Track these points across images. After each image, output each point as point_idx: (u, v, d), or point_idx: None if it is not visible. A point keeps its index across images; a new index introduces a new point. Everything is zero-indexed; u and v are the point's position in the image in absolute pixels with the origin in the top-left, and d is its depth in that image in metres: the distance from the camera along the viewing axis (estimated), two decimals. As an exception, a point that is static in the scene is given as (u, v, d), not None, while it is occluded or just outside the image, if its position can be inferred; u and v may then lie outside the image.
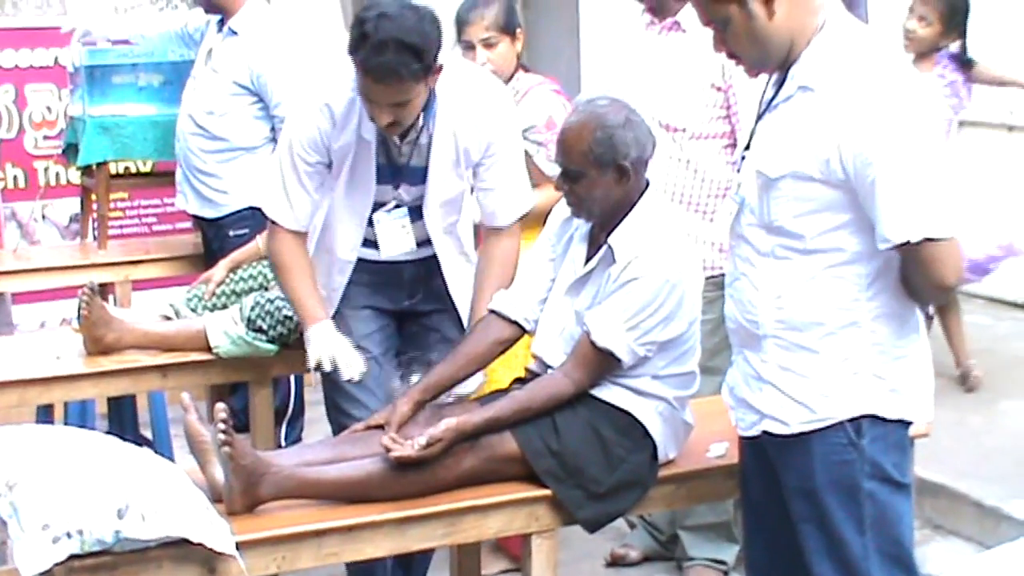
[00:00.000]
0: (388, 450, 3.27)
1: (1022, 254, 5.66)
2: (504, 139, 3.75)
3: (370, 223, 3.78)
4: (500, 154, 3.74)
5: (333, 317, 3.83)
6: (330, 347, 3.65)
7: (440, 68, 3.52)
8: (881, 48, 2.81)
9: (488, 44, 4.41)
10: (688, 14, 4.11)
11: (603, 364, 3.35)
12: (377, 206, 3.76)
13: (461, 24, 4.45)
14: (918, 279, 2.79)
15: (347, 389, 3.75)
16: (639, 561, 4.59)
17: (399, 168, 3.72)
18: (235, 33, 5.35)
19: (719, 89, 4.14)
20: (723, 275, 3.11)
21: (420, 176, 3.72)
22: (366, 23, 3.41)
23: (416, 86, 3.47)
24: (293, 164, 3.71)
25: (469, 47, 4.43)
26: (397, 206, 3.77)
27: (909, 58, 5.62)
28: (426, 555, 3.89)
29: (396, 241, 3.78)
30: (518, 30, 4.48)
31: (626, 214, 3.38)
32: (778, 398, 2.90)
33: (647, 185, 3.42)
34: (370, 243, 3.81)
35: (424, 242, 3.81)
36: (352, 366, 3.64)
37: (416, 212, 3.77)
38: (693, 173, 4.20)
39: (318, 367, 3.67)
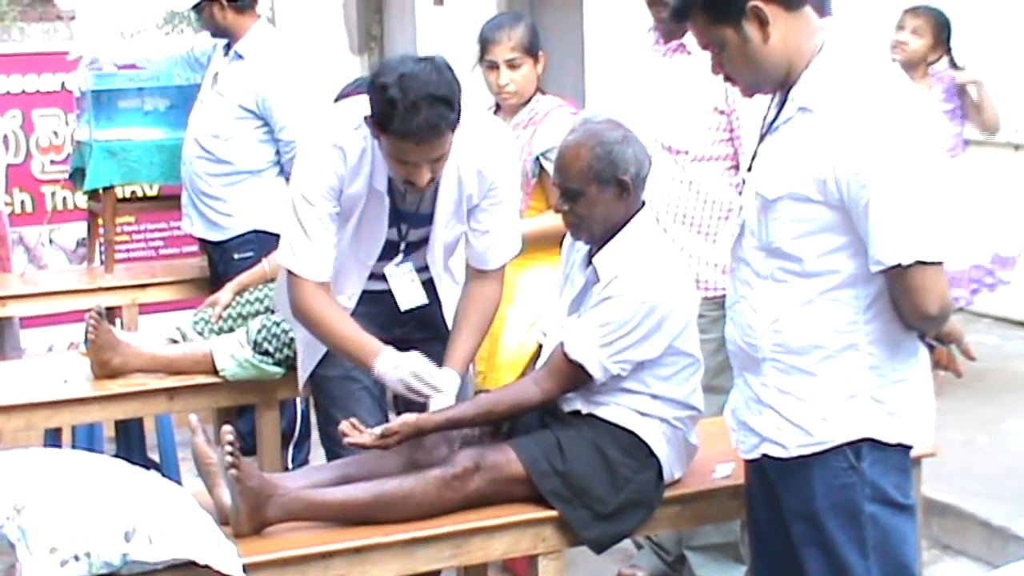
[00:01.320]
0: (344, 434, 3.31)
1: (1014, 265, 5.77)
2: (505, 183, 3.68)
3: (378, 275, 3.73)
4: (499, 198, 3.68)
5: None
6: (407, 367, 3.47)
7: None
8: (881, 69, 2.82)
9: (512, 65, 4.40)
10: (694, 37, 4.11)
11: (574, 377, 3.36)
12: (383, 250, 3.71)
13: (486, 43, 4.43)
14: (902, 307, 2.79)
15: (338, 419, 3.74)
16: (646, 582, 4.58)
17: (405, 216, 3.67)
18: (241, 57, 5.37)
19: (722, 112, 4.15)
20: (725, 296, 3.11)
21: (424, 220, 3.69)
22: (389, 88, 3.29)
23: (451, 136, 3.40)
24: (313, 213, 3.54)
25: (492, 66, 4.43)
26: (404, 260, 3.73)
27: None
28: None
29: (410, 294, 3.75)
30: (540, 52, 4.46)
31: (615, 234, 3.39)
32: (777, 421, 2.91)
33: (641, 206, 3.43)
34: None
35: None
36: (434, 375, 3.46)
37: (414, 246, 3.74)
38: (696, 195, 4.21)
39: (408, 403, 3.54)
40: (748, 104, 3.90)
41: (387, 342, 3.69)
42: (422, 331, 3.84)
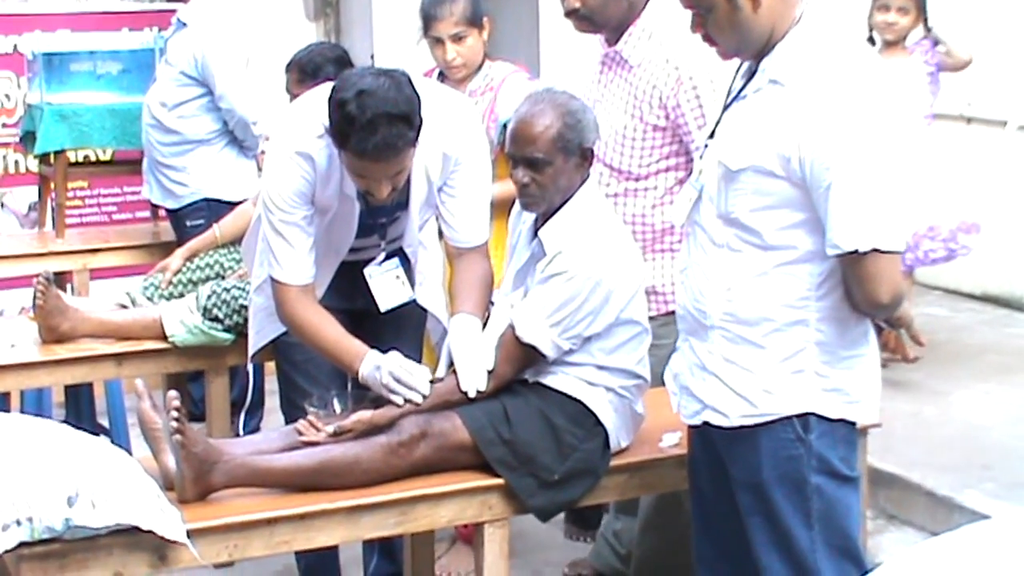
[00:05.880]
0: (300, 433, 3.31)
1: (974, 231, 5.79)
2: (470, 160, 3.60)
3: (356, 270, 3.70)
4: (466, 175, 3.60)
5: None
6: (385, 368, 3.37)
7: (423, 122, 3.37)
8: (854, 49, 2.82)
9: (457, 39, 4.34)
10: (633, 46, 3.86)
11: (527, 358, 3.37)
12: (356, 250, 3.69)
13: (428, 19, 4.36)
14: (854, 293, 2.80)
15: (300, 384, 3.71)
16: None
17: (378, 211, 3.63)
18: (184, 25, 5.36)
19: (664, 129, 3.85)
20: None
21: (398, 208, 3.64)
22: (347, 104, 3.24)
23: (411, 151, 3.36)
24: (289, 219, 3.48)
25: (438, 42, 4.36)
26: (387, 257, 3.70)
27: (879, 49, 5.76)
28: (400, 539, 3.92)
29: (392, 294, 3.71)
30: (485, 19, 4.40)
31: (561, 206, 3.38)
32: (720, 390, 2.92)
33: (586, 179, 3.42)
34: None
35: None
36: (416, 375, 3.37)
37: (387, 227, 3.71)
38: (641, 212, 3.93)
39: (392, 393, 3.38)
40: (692, 98, 3.78)
41: (351, 313, 3.68)
42: None
